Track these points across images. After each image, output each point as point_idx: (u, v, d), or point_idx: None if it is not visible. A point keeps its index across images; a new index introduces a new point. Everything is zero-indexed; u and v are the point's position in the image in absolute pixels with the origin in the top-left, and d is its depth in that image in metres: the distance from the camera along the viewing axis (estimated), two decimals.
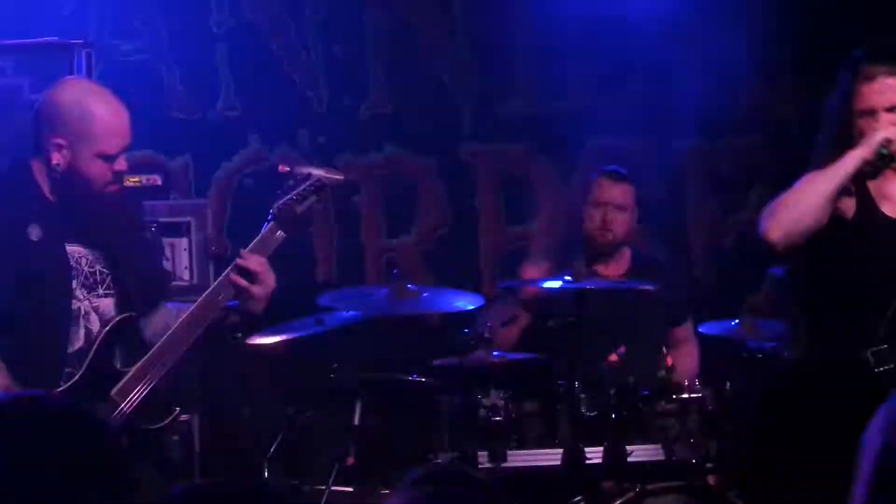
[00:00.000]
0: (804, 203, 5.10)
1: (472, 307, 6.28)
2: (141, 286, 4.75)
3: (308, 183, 4.82)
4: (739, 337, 6.70)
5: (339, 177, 5.28)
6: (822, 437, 4.35)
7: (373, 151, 7.89)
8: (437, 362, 6.23)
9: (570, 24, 8.03)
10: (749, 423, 5.70)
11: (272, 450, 6.21)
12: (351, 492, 5.92)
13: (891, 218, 5.29)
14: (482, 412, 5.72)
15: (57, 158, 4.54)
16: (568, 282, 5.92)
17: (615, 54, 8.16)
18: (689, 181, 8.33)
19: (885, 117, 5.07)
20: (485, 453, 5.62)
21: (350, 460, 5.90)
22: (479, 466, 5.62)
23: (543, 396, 6.01)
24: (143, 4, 7.86)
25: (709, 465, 5.37)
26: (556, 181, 8.12)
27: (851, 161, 5.07)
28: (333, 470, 5.85)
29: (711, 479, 5.77)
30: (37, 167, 4.69)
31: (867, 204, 5.31)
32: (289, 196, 4.58)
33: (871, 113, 5.14)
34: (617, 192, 6.65)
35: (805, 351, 5.74)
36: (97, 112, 4.57)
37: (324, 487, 5.81)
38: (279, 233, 4.70)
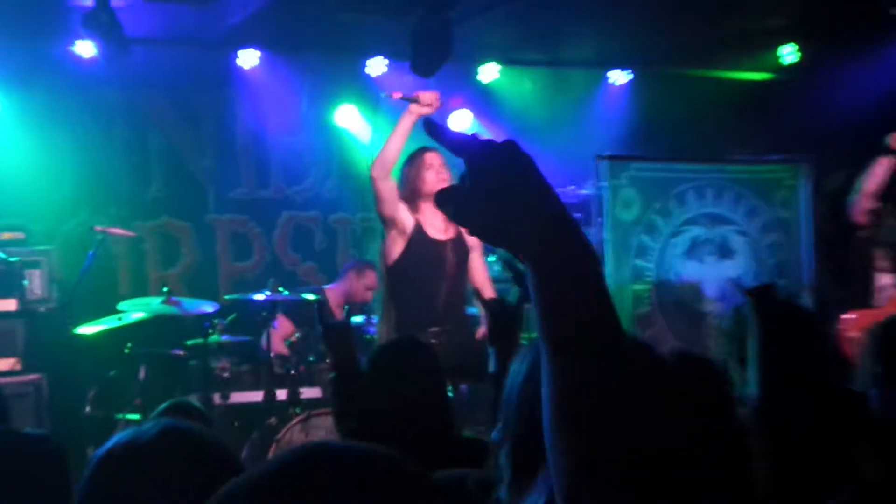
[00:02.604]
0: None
1: (211, 311, 7.59)
2: None
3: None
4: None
5: (133, 234, 7.57)
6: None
7: (155, 217, 9.25)
8: (188, 342, 7.59)
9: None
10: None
11: (93, 394, 7.53)
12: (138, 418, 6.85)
13: (434, 239, 6.42)
14: (216, 371, 7.32)
15: None
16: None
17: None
18: None
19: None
20: (217, 394, 7.19)
21: (137, 402, 7.23)
22: (214, 403, 7.08)
23: (253, 362, 7.75)
24: None
25: None
26: (263, 238, 9.60)
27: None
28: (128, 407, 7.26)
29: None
30: None
31: (420, 227, 6.44)
32: None
33: None
34: None
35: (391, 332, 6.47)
36: None
37: (120, 416, 7.18)
38: None
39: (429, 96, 6.56)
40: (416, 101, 6.54)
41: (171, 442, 1.87)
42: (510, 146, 1.36)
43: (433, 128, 1.41)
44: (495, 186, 1.33)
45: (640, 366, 1.43)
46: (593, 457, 1.33)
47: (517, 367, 1.82)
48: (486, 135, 1.40)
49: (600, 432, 1.33)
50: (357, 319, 7.60)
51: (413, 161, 6.62)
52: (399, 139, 6.55)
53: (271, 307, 7.53)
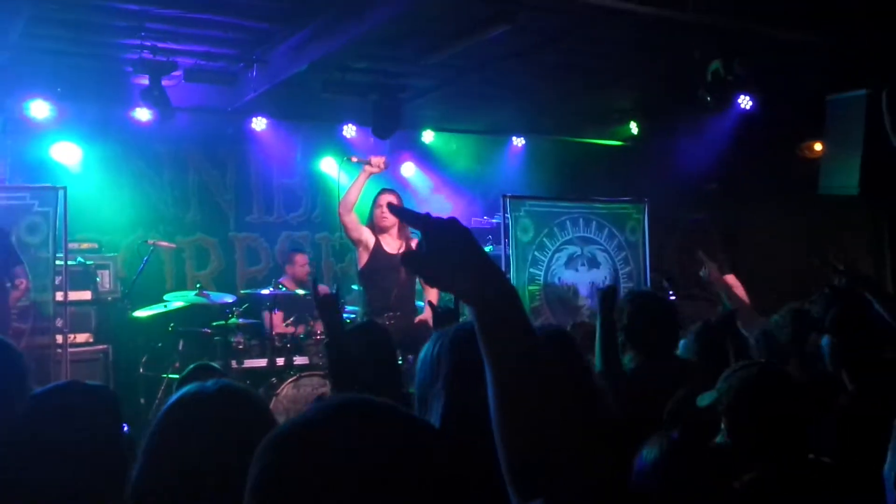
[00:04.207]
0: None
1: (231, 301, 7.42)
2: None
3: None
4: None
5: (175, 246, 7.53)
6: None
7: (192, 234, 9.13)
8: (214, 323, 7.28)
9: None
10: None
11: (145, 360, 7.47)
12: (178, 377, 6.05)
13: (389, 253, 6.56)
14: (233, 344, 7.15)
15: None
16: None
17: None
18: None
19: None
20: (234, 361, 7.03)
21: (177, 365, 7.04)
22: (232, 367, 6.91)
23: (260, 338, 7.45)
24: None
25: None
26: (268, 250, 9.44)
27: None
28: (170, 369, 7.07)
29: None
30: None
31: (379, 244, 6.60)
32: None
33: None
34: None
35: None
36: None
37: (165, 375, 7.01)
38: None
39: (377, 160, 6.73)
40: (368, 163, 6.71)
41: (228, 394, 1.83)
42: (453, 222, 1.34)
43: (398, 210, 1.46)
44: (443, 251, 1.32)
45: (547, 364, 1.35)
46: (524, 435, 1.30)
47: (427, 347, 1.73)
48: (435, 211, 1.35)
49: (526, 419, 1.30)
50: None
51: (374, 201, 6.72)
52: (356, 189, 6.71)
53: (273, 299, 7.41)
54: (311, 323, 7.27)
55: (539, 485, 1.27)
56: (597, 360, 3.17)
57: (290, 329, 7.30)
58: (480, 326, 1.31)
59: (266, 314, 7.45)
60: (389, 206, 1.51)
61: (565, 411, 1.31)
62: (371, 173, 6.74)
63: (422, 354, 1.68)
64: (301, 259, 8.26)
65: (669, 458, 2.08)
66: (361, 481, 1.03)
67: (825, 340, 3.28)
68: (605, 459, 1.69)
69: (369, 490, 1.03)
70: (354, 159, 6.84)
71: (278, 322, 7.48)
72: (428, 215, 1.36)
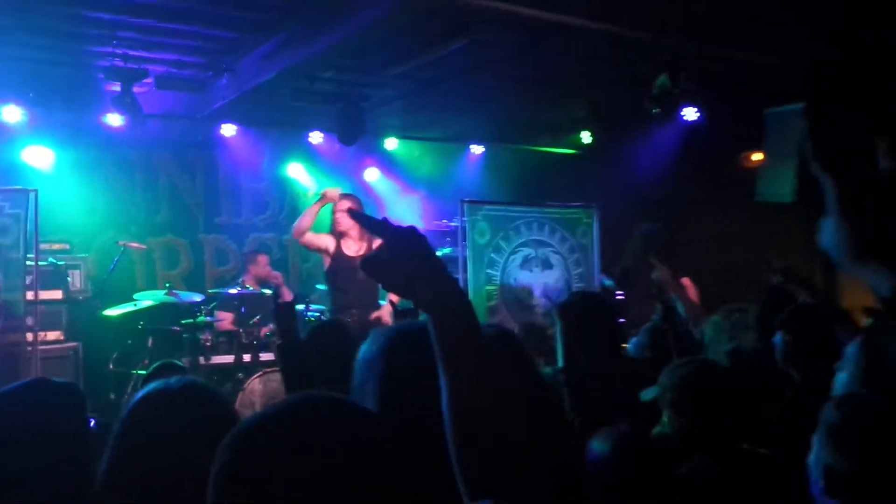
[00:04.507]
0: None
1: (199, 300, 7.52)
2: None
3: None
4: None
5: (145, 247, 7.41)
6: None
7: (162, 235, 9.08)
8: (183, 321, 7.18)
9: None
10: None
11: (115, 357, 7.42)
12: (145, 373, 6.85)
13: (349, 255, 6.67)
14: (201, 341, 7.07)
15: None
16: None
17: None
18: None
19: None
20: (202, 357, 6.95)
21: (146, 362, 6.82)
22: (200, 363, 6.81)
23: (227, 335, 7.25)
24: None
25: None
26: (236, 251, 9.35)
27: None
28: (139, 365, 7.02)
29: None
30: None
31: (339, 249, 6.69)
32: None
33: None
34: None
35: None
36: None
37: (134, 372, 6.97)
38: None
39: (331, 192, 6.91)
40: (323, 196, 6.94)
41: (192, 391, 1.83)
42: (411, 230, 1.34)
43: (356, 215, 1.46)
44: (402, 258, 1.32)
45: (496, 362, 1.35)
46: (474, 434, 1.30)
47: (364, 347, 1.69)
48: (396, 214, 1.33)
49: (476, 416, 1.30)
50: (300, 307, 7.37)
51: (334, 206, 6.86)
52: (309, 217, 6.93)
53: (240, 298, 7.37)
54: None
55: (491, 484, 1.26)
56: (559, 359, 3.16)
57: (235, 328, 7.23)
58: (437, 334, 1.30)
59: (218, 313, 7.47)
60: (349, 210, 1.50)
61: (516, 413, 1.30)
62: (326, 202, 6.90)
63: (360, 354, 1.67)
64: (263, 259, 8.20)
65: (619, 450, 2.14)
66: (319, 473, 1.02)
67: (778, 338, 3.30)
68: (555, 457, 1.69)
69: (326, 483, 1.02)
70: (311, 192, 7.30)
71: (227, 322, 7.47)
72: (386, 221, 1.36)
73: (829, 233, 1.27)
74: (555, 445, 1.72)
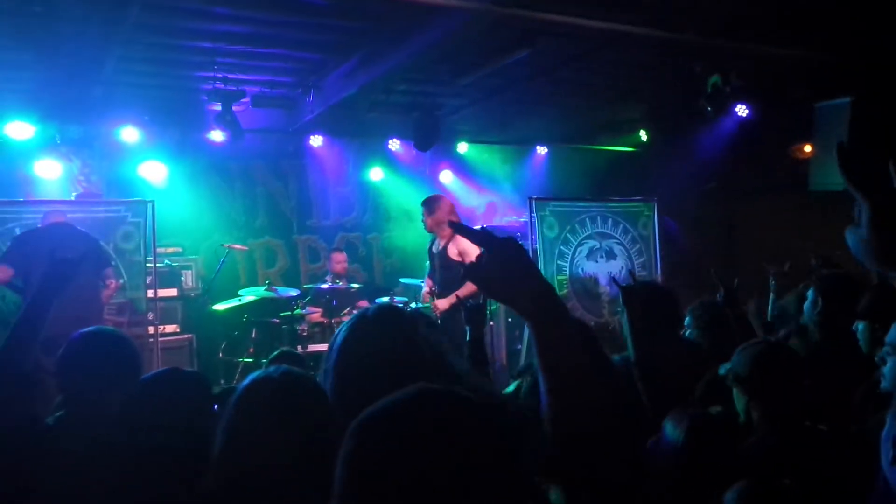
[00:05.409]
0: None
1: (295, 294, 7.32)
2: None
3: None
4: None
5: (246, 248, 7.55)
6: None
7: (261, 237, 9.10)
8: (282, 314, 7.21)
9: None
10: None
11: (223, 347, 7.42)
12: (251, 361, 7.02)
13: (432, 251, 6.59)
14: (298, 331, 7.12)
15: None
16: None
17: None
18: None
19: None
20: (300, 346, 6.89)
21: (251, 350, 7.02)
22: (299, 351, 6.56)
23: (320, 325, 7.36)
24: None
25: None
26: (326, 249, 9.03)
27: None
28: (245, 354, 7.30)
29: None
30: None
31: (431, 242, 6.63)
32: None
33: None
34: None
35: None
36: None
37: (240, 360, 7.09)
38: None
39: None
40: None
41: (289, 380, 1.84)
42: (511, 241, 1.31)
43: (458, 227, 1.40)
44: (503, 268, 1.29)
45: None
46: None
47: (337, 331, 1.67)
48: (495, 229, 1.33)
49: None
50: (384, 298, 7.38)
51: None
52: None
53: (331, 292, 7.41)
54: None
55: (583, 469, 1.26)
56: (629, 350, 3.05)
57: (325, 319, 7.27)
58: (537, 342, 1.28)
59: (310, 307, 7.54)
60: (450, 223, 1.47)
61: (606, 404, 1.29)
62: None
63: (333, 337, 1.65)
64: (339, 257, 8.18)
65: (693, 432, 2.10)
66: (433, 460, 1.02)
67: (860, 325, 3.13)
68: (633, 440, 1.67)
69: (439, 469, 1.01)
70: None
71: (316, 315, 7.54)
72: (487, 231, 1.33)
73: (854, 241, 1.24)
74: (633, 429, 1.70)
